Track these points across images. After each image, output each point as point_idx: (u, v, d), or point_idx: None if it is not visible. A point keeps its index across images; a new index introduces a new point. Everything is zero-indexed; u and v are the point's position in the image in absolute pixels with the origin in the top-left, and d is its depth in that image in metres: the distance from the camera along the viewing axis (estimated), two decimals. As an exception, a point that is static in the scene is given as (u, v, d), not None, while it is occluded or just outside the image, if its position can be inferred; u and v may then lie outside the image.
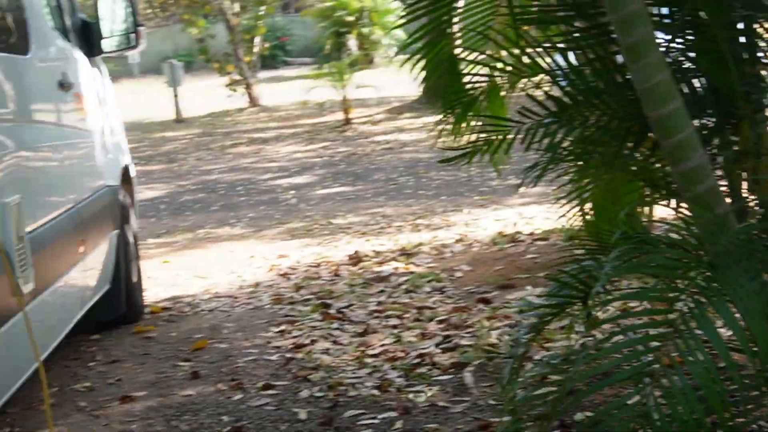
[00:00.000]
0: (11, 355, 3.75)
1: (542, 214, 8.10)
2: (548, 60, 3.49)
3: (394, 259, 7.12)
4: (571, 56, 3.50)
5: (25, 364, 3.92)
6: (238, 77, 22.71)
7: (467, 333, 5.10)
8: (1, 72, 3.98)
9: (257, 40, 23.24)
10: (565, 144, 3.39)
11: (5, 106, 4.03)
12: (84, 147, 5.29)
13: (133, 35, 5.76)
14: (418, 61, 4.03)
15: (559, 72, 3.45)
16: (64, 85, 4.92)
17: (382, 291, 6.23)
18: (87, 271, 4.97)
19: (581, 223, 4.01)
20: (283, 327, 5.63)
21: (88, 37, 5.63)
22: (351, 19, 30.10)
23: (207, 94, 26.49)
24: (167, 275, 7.40)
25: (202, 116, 22.06)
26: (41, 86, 4.63)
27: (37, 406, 4.61)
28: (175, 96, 21.48)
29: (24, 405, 4.62)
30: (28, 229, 3.90)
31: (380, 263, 7.04)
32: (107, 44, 5.72)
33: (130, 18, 5.74)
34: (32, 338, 3.58)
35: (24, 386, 4.11)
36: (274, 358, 5.07)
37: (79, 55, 5.47)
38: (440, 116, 4.02)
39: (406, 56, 4.09)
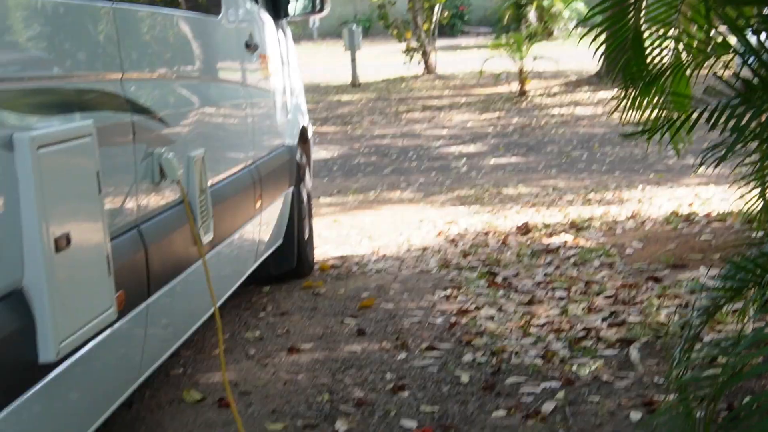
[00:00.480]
0: (189, 301, 3.91)
1: (719, 195, 7.92)
2: (739, 39, 3.39)
3: (563, 231, 7.09)
4: (764, 37, 3.39)
5: (200, 310, 4.09)
6: (415, 44, 22.83)
7: (635, 310, 5.05)
8: (194, 31, 4.15)
9: (437, 8, 23.27)
10: (752, 126, 3.30)
11: (195, 63, 4.19)
12: (266, 106, 5.44)
13: (319, 0, 5.87)
14: (599, 34, 3.98)
15: (749, 53, 3.35)
16: (251, 46, 5.06)
17: (549, 263, 6.21)
18: (262, 225, 5.12)
19: (761, 207, 3.91)
20: (448, 291, 5.68)
21: (275, 0, 5.76)
22: (532, -10, 29.80)
23: (383, 59, 26.74)
24: (337, 234, 7.56)
25: (377, 81, 22.27)
26: (229, 46, 4.78)
27: (208, 351, 4.79)
28: (353, 60, 21.74)
29: (197, 349, 4.82)
30: (210, 182, 4.05)
31: (549, 235, 7.01)
32: (293, 8, 5.84)
33: (316, -19, 5.85)
34: (210, 286, 3.72)
35: (198, 331, 4.29)
36: (438, 321, 5.13)
37: (266, 17, 5.61)
38: (620, 91, 3.96)
39: (587, 29, 4.05)
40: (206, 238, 3.88)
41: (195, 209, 3.76)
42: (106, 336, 2.86)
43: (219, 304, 4.28)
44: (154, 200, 3.42)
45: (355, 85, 21.61)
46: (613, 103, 4.01)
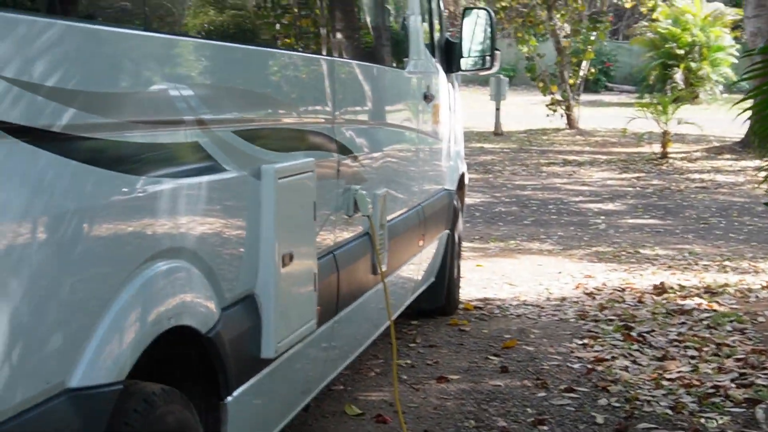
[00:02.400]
0: (362, 323, 4.40)
1: None
2: None
3: (698, 295, 7.38)
4: None
5: (369, 332, 4.59)
6: (559, 98, 23.16)
7: (764, 374, 5.35)
8: (386, 83, 4.68)
9: (584, 64, 23.59)
10: None
11: (385, 111, 4.71)
12: (434, 153, 5.93)
13: (489, 58, 6.34)
14: (745, 100, 4.21)
15: None
16: (427, 97, 5.57)
17: (683, 323, 6.53)
18: (422, 263, 5.60)
19: None
20: (586, 340, 6.06)
21: (449, 55, 6.26)
22: (680, 52, 29.85)
23: (526, 110, 27.16)
24: (479, 278, 8.00)
25: (519, 132, 22.70)
26: (412, 97, 5.29)
27: (365, 372, 5.27)
28: (497, 110, 22.18)
29: (355, 369, 5.30)
30: (388, 218, 4.54)
31: (684, 297, 7.32)
32: (465, 63, 6.33)
33: (488, 41, 6.32)
34: (388, 306, 4.20)
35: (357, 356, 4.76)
36: (576, 366, 5.52)
37: (440, 70, 6.12)
38: (766, 161, 4.26)
39: (736, 97, 4.36)
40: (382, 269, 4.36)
41: (375, 242, 4.25)
42: (305, 343, 3.36)
43: (377, 335, 4.78)
44: (346, 230, 3.93)
45: (497, 133, 22.06)
46: (756, 173, 4.34)
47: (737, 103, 4.27)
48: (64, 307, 1.98)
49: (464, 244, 9.31)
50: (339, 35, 3.98)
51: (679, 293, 7.45)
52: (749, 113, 4.46)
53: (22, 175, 1.85)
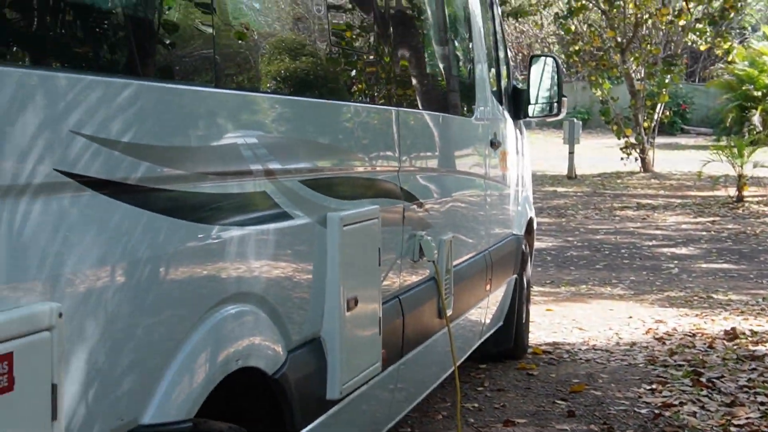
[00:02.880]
0: (426, 367, 4.48)
1: None
2: None
3: (770, 341, 7.34)
4: None
5: (434, 376, 4.66)
6: (634, 141, 23.08)
7: (834, 421, 5.32)
8: (452, 130, 4.78)
9: (659, 107, 23.49)
10: None
11: (451, 158, 4.81)
12: (501, 198, 6.01)
13: (556, 104, 6.43)
14: None
15: None
16: (494, 144, 5.66)
17: (754, 369, 6.49)
18: (489, 307, 5.67)
19: None
20: (654, 386, 6.06)
21: (516, 102, 6.36)
22: (757, 94, 29.62)
23: (600, 153, 27.06)
24: (549, 322, 8.02)
25: (593, 175, 22.64)
26: (478, 144, 5.39)
27: (432, 415, 5.34)
28: (571, 153, 22.15)
29: (422, 412, 5.37)
30: (454, 263, 4.63)
31: (756, 343, 7.27)
32: (532, 110, 6.42)
33: (555, 88, 6.42)
34: (453, 351, 4.28)
35: (423, 398, 4.84)
36: (643, 411, 5.53)
37: (507, 117, 6.21)
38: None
39: None
40: (447, 313, 4.44)
41: (441, 286, 4.34)
42: (370, 385, 3.45)
43: (444, 378, 4.85)
44: (411, 275, 4.02)
45: (570, 177, 22.03)
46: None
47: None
48: (139, 348, 2.11)
49: (535, 288, 9.36)
50: (405, 85, 4.10)
51: (750, 339, 7.41)
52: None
53: (100, 225, 1.98)
